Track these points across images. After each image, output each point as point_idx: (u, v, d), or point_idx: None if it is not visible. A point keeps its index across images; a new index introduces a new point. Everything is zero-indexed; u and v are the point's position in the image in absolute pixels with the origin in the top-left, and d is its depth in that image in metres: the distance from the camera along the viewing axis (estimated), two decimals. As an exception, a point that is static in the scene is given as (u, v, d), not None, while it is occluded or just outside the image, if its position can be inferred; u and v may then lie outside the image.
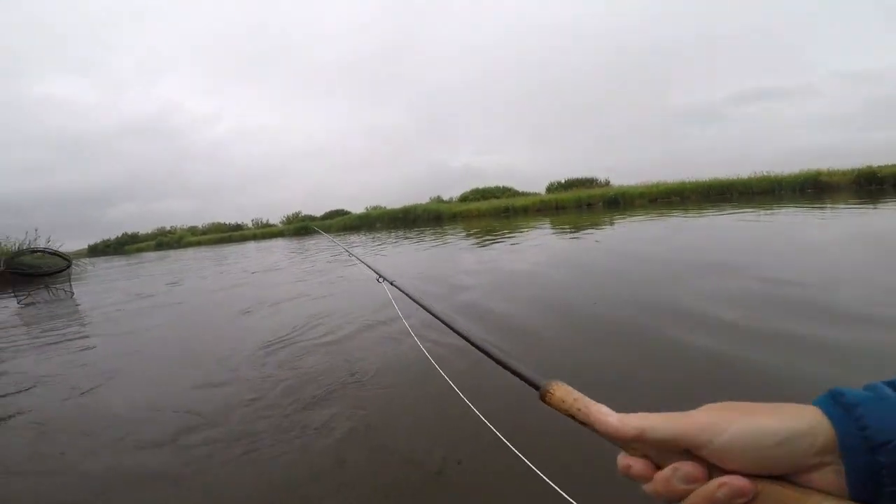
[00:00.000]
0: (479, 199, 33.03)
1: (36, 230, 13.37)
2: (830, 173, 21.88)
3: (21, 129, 60.46)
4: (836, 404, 0.32)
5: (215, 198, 69.95)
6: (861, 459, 0.30)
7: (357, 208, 40.06)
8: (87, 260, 22.46)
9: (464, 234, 13.13)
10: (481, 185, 36.24)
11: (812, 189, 21.09)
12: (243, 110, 72.69)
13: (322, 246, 14.32)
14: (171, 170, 70.22)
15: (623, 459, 0.38)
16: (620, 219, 12.25)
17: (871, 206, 10.23)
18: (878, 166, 21.96)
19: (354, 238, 17.91)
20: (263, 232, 41.65)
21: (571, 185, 32.28)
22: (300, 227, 38.45)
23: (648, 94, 57.96)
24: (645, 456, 0.38)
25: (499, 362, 0.58)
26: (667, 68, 56.85)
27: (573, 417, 0.43)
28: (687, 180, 25.52)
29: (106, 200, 68.13)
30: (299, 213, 45.27)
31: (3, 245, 11.94)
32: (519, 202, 28.13)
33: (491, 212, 27.70)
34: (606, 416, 0.39)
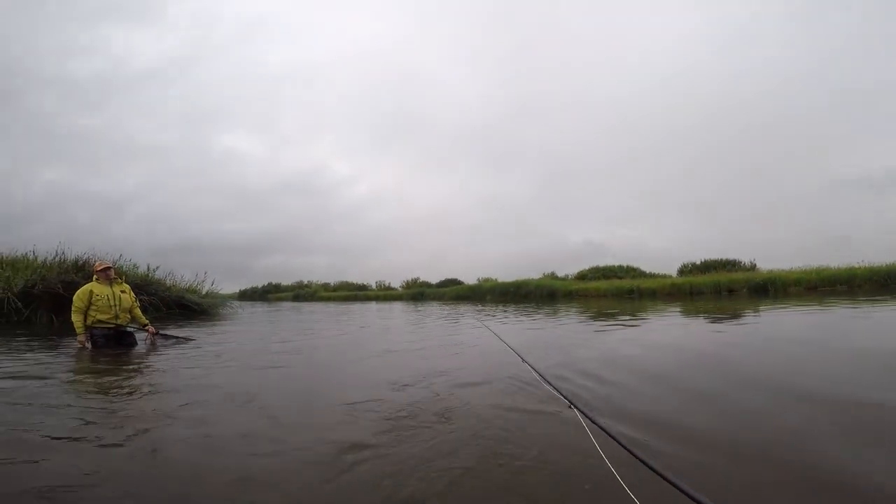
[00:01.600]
0: (599, 278, 31.34)
1: (206, 273, 15.67)
2: None
3: (209, 178, 74.96)
4: None
5: (346, 257, 77.21)
6: None
7: (469, 279, 40.76)
8: (238, 303, 26.08)
9: (583, 313, 12.34)
10: (602, 264, 34.51)
11: None
12: (377, 175, 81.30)
13: (443, 313, 14.62)
14: (315, 227, 79.90)
15: None
16: (771, 308, 10.47)
17: None
18: None
19: (463, 308, 18.00)
20: (385, 294, 44.38)
21: (708, 267, 29.06)
22: (417, 293, 40.19)
23: (804, 161, 51.16)
24: None
25: None
26: (825, 126, 49.94)
27: None
28: (857, 265, 21.38)
29: (259, 250, 79.23)
30: (417, 278, 47.57)
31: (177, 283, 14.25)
32: (646, 284, 25.95)
33: (613, 292, 25.90)
34: None
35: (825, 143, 51.03)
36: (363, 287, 52.10)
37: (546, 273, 35.84)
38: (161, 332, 6.95)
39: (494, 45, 73.21)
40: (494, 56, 73.49)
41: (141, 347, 6.29)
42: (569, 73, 68.31)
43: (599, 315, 11.10)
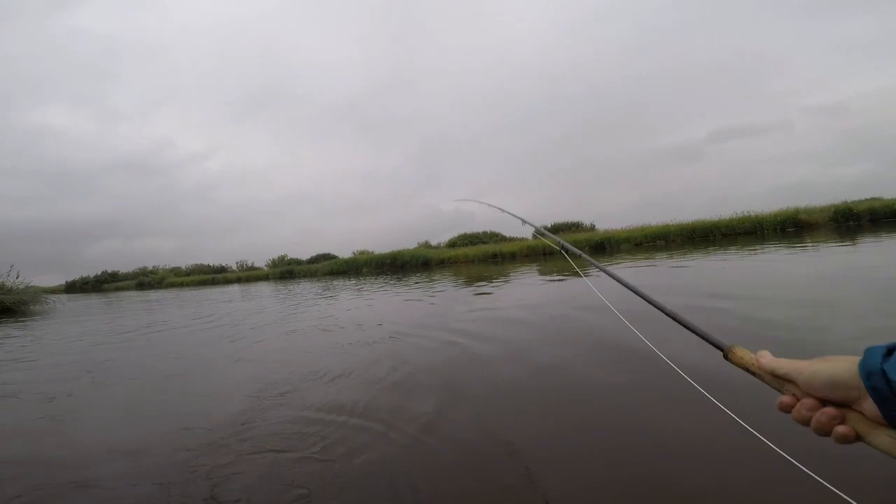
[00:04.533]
0: (467, 244, 33.07)
1: (11, 266, 12.96)
2: (808, 211, 22.48)
3: (13, 158, 60.16)
4: (865, 353, 0.50)
5: (199, 238, 69.15)
6: (879, 387, 0.47)
7: (345, 253, 39.80)
8: (62, 297, 21.70)
9: (453, 281, 12.93)
10: (469, 231, 36.39)
11: (792, 228, 21.57)
12: (235, 151, 73.38)
13: (314, 290, 13.97)
14: (156, 208, 69.71)
15: (780, 398, 0.59)
16: (609, 264, 12.19)
17: (850, 244, 10.39)
18: (853, 201, 22.75)
19: (339, 283, 17.57)
20: (248, 275, 40.98)
21: (558, 229, 32.57)
22: (285, 271, 37.97)
23: (628, 134, 60.27)
24: (792, 395, 0.58)
25: (687, 326, 0.78)
26: (643, 106, 59.61)
27: (750, 371, 0.64)
28: (671, 223, 25.94)
29: (88, 236, 66.92)
30: (285, 256, 44.78)
31: None
32: (507, 248, 28.15)
33: (479, 257, 27.66)
34: (764, 359, 0.62)
35: (649, 118, 60.19)
36: (222, 269, 47.49)
37: (420, 242, 36.66)
38: None
39: (364, 17, 70.02)
40: (365, 28, 70.50)
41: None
42: (437, 45, 68.80)
43: (468, 282, 11.76)
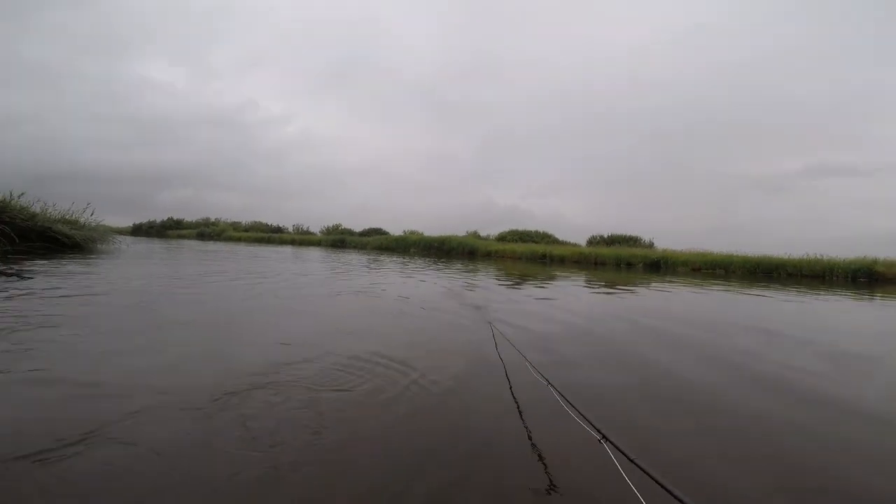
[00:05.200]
0: (517, 241, 32.74)
1: (87, 204, 14.02)
2: (887, 263, 20.47)
3: (115, 105, 65.52)
4: None
5: (264, 198, 72.51)
6: None
7: (396, 230, 40.51)
8: (128, 238, 23.54)
9: (494, 276, 12.87)
10: (521, 228, 35.97)
11: (865, 278, 19.78)
12: (312, 118, 76.15)
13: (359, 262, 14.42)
14: (231, 163, 73.64)
15: None
16: (660, 285, 11.71)
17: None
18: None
19: (386, 258, 18.01)
20: (302, 238, 42.72)
21: (614, 240, 31.56)
22: (338, 240, 39.22)
23: (713, 154, 56.81)
24: None
25: None
26: (735, 129, 55.82)
27: None
28: (735, 253, 24.51)
29: (164, 182, 71.82)
30: (339, 225, 46.18)
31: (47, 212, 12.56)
32: (557, 251, 27.63)
33: (527, 255, 27.34)
34: None
35: (731, 141, 56.58)
36: (278, 229, 49.65)
37: (470, 231, 36.70)
38: None
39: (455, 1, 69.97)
40: (453, 11, 70.35)
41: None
42: (525, 37, 67.68)
43: (518, 281, 11.66)
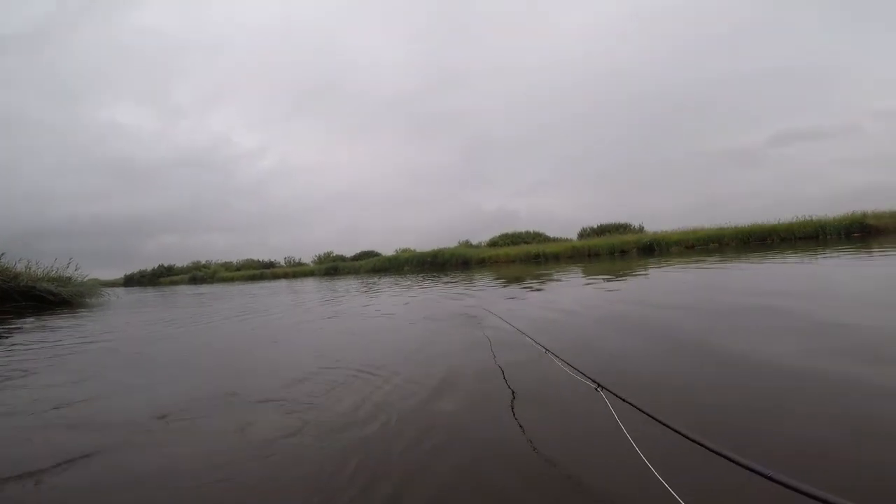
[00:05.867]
0: (508, 244, 32.68)
1: (70, 259, 13.77)
2: (878, 216, 20.64)
3: (82, 154, 65.20)
4: None
5: (250, 234, 72.12)
6: None
7: (388, 250, 40.37)
8: (118, 290, 23.13)
9: (493, 280, 12.72)
10: (511, 230, 35.97)
11: (858, 233, 19.90)
12: (287, 148, 76.06)
13: (355, 286, 14.19)
14: (212, 204, 73.25)
15: None
16: (657, 266, 11.60)
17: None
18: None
19: (379, 279, 17.75)
20: (295, 271, 42.39)
21: (604, 230, 31.60)
22: (330, 267, 38.96)
23: (683, 138, 57.52)
24: None
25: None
26: (699, 111, 56.71)
27: None
28: (725, 226, 24.63)
29: (147, 231, 71.29)
30: (331, 252, 45.99)
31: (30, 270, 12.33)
32: (550, 248, 27.61)
33: (521, 257, 27.25)
34: None
35: (704, 120, 57.45)
36: (270, 264, 49.33)
37: (461, 241, 36.62)
38: None
39: (413, 14, 70.66)
40: (415, 25, 71.12)
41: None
42: (489, 44, 68.49)
43: (510, 281, 11.51)
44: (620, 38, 62.19)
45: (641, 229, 30.83)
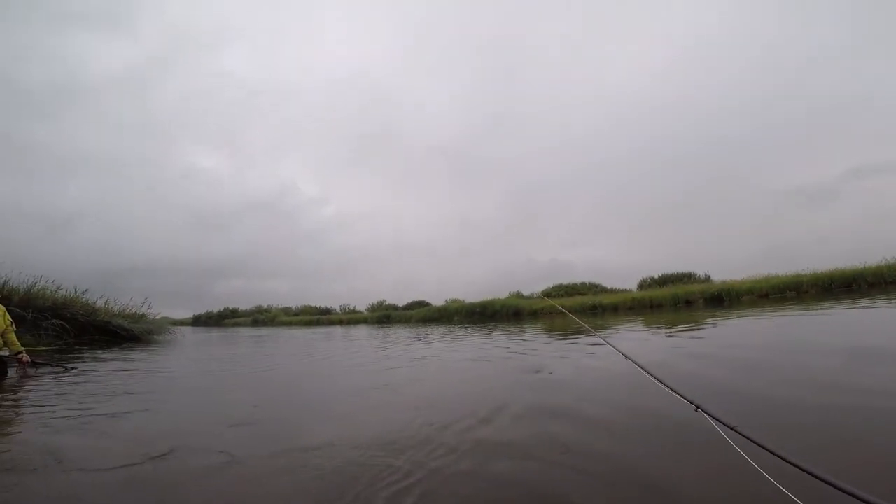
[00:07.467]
0: (563, 295, 31.66)
1: (145, 298, 14.89)
2: None
3: (168, 197, 70.66)
4: None
5: (310, 281, 74.74)
6: None
7: (437, 300, 40.36)
8: (187, 329, 24.47)
9: (545, 333, 12.25)
10: (566, 282, 34.91)
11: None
12: (345, 197, 79.49)
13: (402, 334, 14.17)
14: (279, 250, 76.99)
15: None
16: (726, 318, 10.67)
17: None
18: None
19: (430, 329, 17.61)
20: (349, 318, 43.23)
21: (666, 280, 29.93)
22: (383, 316, 39.41)
23: (749, 175, 54.28)
24: None
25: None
26: (766, 143, 53.35)
27: None
28: (802, 272, 22.59)
29: (219, 273, 75.52)
30: (384, 301, 46.70)
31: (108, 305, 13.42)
32: (608, 299, 26.42)
33: (577, 309, 26.19)
34: None
35: (762, 161, 54.55)
36: (326, 311, 50.61)
37: (512, 292, 35.91)
38: (35, 360, 6.60)
39: (463, 62, 73.87)
40: (464, 73, 74.30)
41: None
42: (539, 94, 70.00)
43: (560, 335, 11.00)
44: (670, 70, 61.07)
45: (708, 279, 28.91)
